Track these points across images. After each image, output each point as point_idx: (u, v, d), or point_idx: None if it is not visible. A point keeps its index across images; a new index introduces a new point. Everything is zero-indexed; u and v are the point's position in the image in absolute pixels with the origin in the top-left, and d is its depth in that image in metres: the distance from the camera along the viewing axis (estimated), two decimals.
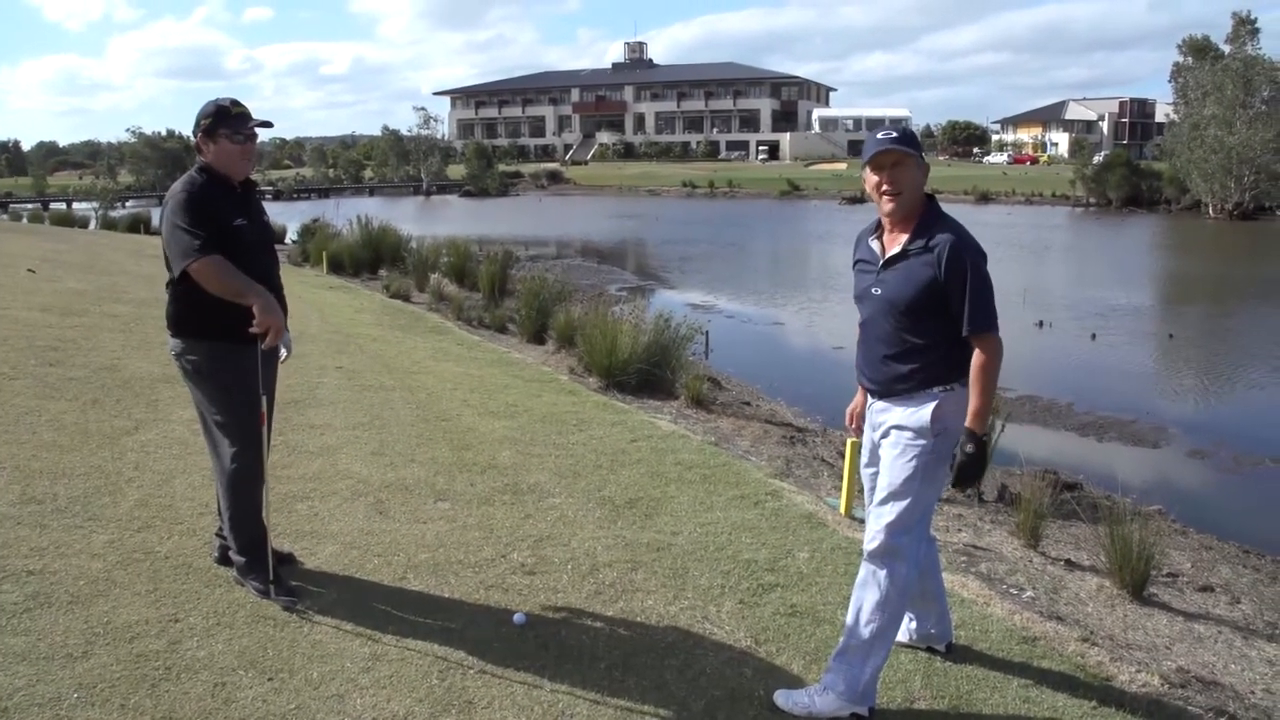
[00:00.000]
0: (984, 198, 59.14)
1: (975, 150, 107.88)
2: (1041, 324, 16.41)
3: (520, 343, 12.60)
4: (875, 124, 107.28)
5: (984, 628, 4.10)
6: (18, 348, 7.68)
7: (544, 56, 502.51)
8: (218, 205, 3.69)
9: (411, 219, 43.86)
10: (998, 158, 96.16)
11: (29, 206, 53.63)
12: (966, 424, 3.21)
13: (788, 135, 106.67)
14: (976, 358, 3.23)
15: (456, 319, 14.17)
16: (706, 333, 14.56)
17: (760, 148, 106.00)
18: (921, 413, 3.28)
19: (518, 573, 4.34)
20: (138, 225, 31.31)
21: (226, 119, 3.76)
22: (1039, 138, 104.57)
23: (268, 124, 3.94)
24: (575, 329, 11.11)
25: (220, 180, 3.77)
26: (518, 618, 3.84)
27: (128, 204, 49.53)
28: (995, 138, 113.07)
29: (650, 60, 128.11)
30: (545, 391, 8.70)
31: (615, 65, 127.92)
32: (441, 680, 3.36)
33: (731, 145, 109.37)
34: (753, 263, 30.11)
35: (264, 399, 3.81)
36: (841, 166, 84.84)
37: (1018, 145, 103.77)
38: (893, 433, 3.36)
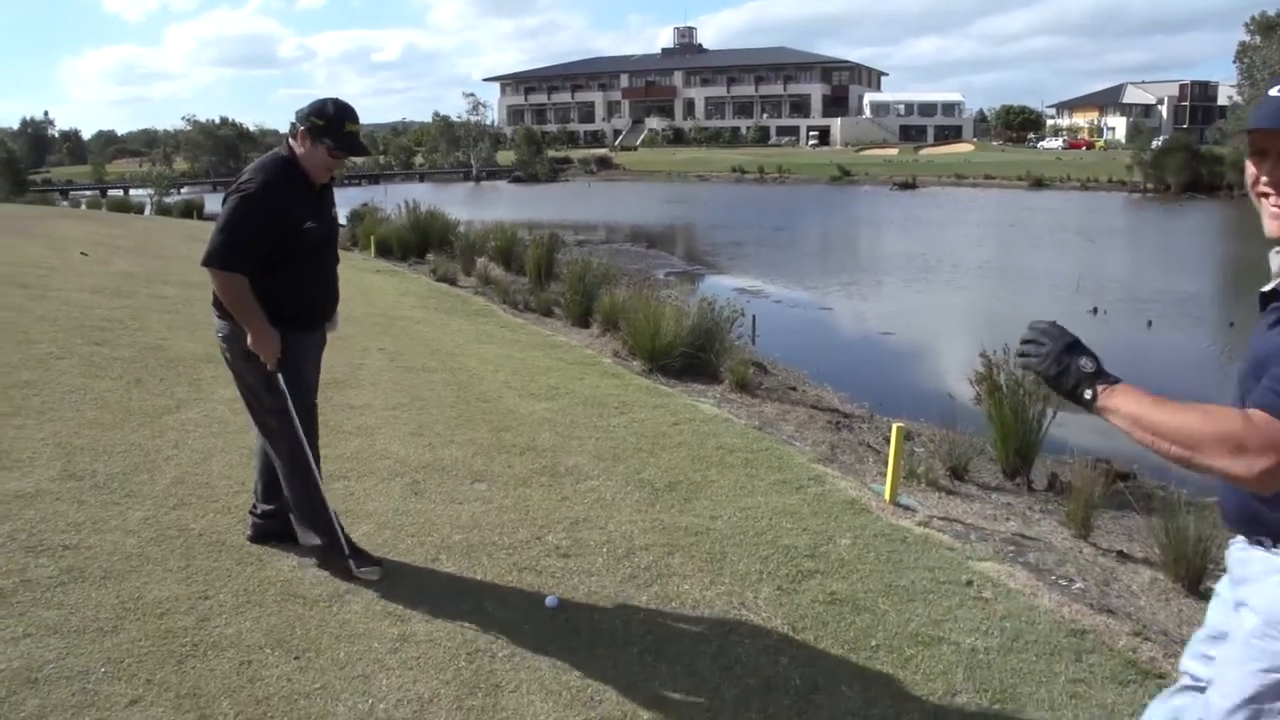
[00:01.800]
0: (1038, 183, 58.04)
1: (1029, 135, 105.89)
2: (1095, 310, 16.01)
3: (565, 326, 12.55)
4: (927, 109, 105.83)
5: (1031, 619, 3.95)
6: (67, 328, 7.77)
7: (594, 42, 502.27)
8: (290, 206, 3.62)
9: (461, 204, 44.10)
10: (1052, 143, 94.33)
11: (88, 193, 54.84)
12: None
13: (838, 120, 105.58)
14: None
15: (502, 302, 14.16)
16: (754, 317, 14.42)
17: (811, 133, 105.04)
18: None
19: (552, 555, 4.27)
20: (191, 211, 31.84)
21: (338, 135, 3.67)
22: (1095, 122, 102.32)
23: (366, 153, 3.98)
24: (620, 312, 11.02)
25: (301, 177, 3.70)
26: (550, 600, 3.76)
27: (182, 190, 50.27)
28: (1050, 122, 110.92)
29: (700, 45, 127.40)
30: (588, 374, 8.63)
31: (665, 50, 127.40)
32: (469, 663, 3.29)
33: (782, 131, 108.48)
34: (802, 248, 29.81)
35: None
36: (893, 152, 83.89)
37: (1073, 130, 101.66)
38: (1243, 613, 1.99)
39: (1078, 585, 4.76)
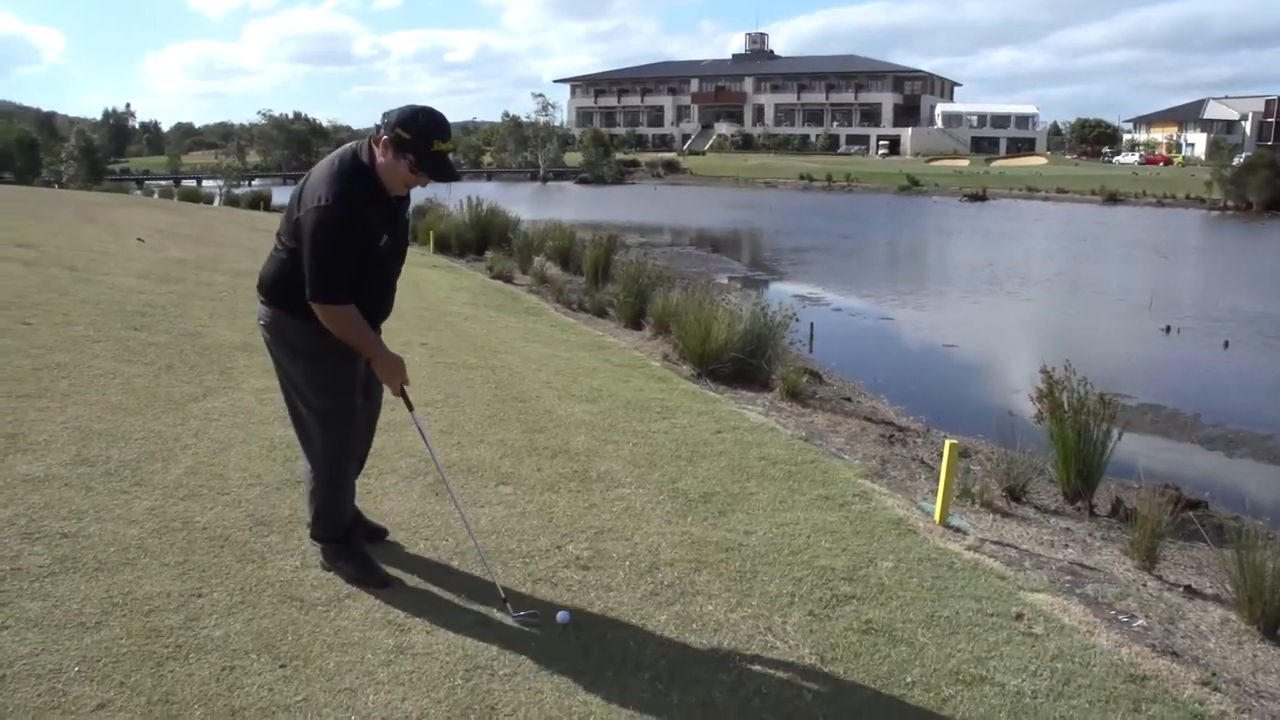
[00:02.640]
0: (1112, 198, 56.47)
1: (1104, 150, 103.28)
2: (1169, 329, 15.34)
3: (617, 327, 12.33)
4: (1000, 120, 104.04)
5: (1085, 660, 3.60)
6: (108, 312, 7.72)
7: (665, 47, 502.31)
8: (367, 219, 3.33)
9: (525, 203, 44.26)
10: (1129, 158, 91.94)
11: (162, 183, 56.12)
12: None
13: (909, 130, 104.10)
14: None
15: (556, 301, 13.99)
16: (811, 325, 14.09)
17: (881, 142, 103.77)
18: None
19: (571, 566, 4.02)
20: (258, 202, 32.27)
21: (423, 154, 3.29)
22: (1174, 138, 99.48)
23: (454, 178, 3.52)
24: (672, 315, 10.76)
25: (378, 188, 3.37)
26: (561, 616, 3.51)
27: (253, 182, 51.16)
28: (1127, 137, 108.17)
29: (771, 51, 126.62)
30: (634, 377, 8.38)
31: (735, 56, 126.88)
32: (466, 680, 3.05)
33: (851, 139, 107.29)
34: (866, 256, 29.23)
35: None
36: (964, 163, 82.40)
37: (1150, 145, 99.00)
38: None
39: (1139, 623, 4.38)
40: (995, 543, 5.19)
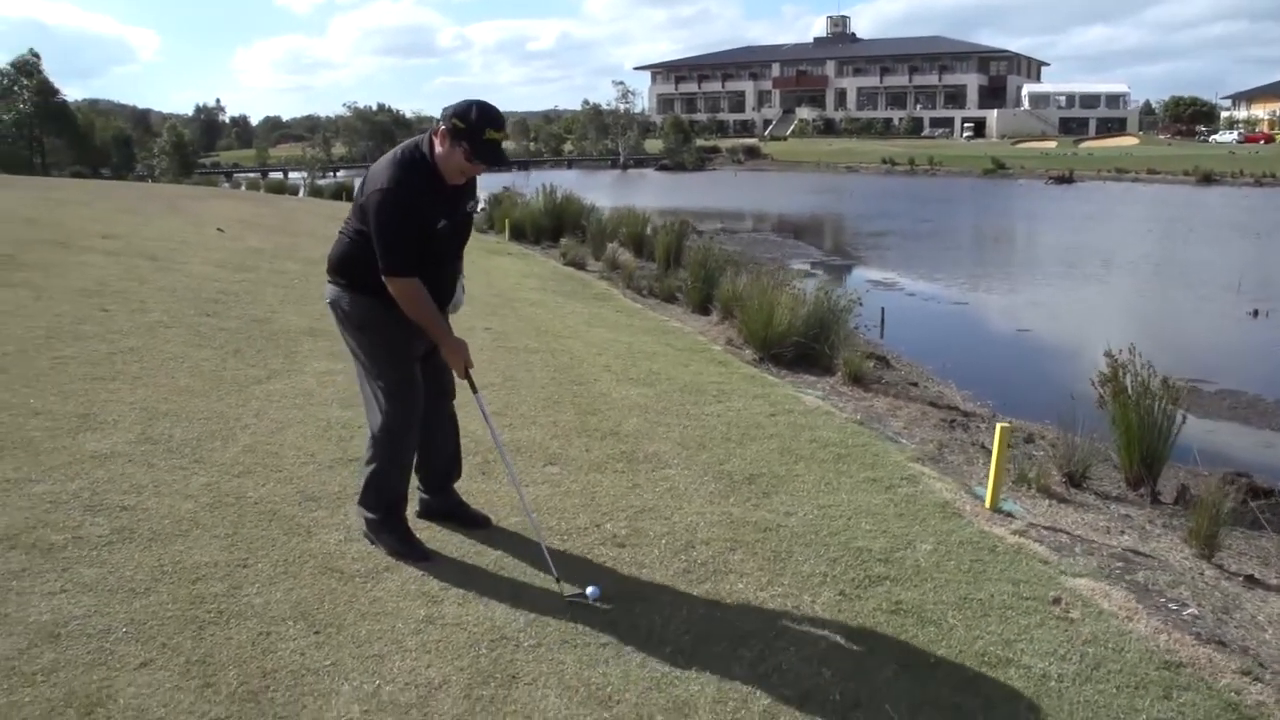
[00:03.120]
0: (1206, 178, 54.38)
1: (1200, 129, 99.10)
2: (1256, 313, 14.77)
3: (685, 313, 12.37)
4: (1090, 100, 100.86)
5: (1118, 646, 3.54)
6: (183, 299, 8.04)
7: (747, 32, 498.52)
8: (425, 204, 3.52)
9: (604, 190, 44.50)
10: (1226, 136, 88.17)
11: (250, 175, 57.87)
12: None
13: (995, 112, 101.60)
14: None
15: (626, 287, 14.07)
16: (883, 309, 13.94)
17: (966, 125, 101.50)
18: None
19: (608, 544, 4.09)
20: (340, 193, 32.98)
21: (476, 142, 3.49)
22: (1277, 114, 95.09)
23: (505, 165, 3.84)
24: (738, 300, 10.76)
25: (436, 176, 3.57)
26: (590, 591, 3.57)
27: (338, 173, 52.32)
28: (1225, 114, 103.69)
29: (853, 34, 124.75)
30: (694, 361, 8.42)
31: (817, 40, 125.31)
32: (490, 650, 3.14)
33: (935, 122, 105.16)
34: (944, 240, 28.68)
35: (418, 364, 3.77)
36: (1051, 144, 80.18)
37: (1250, 122, 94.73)
38: None
39: (1189, 611, 4.28)
40: (1046, 528, 5.11)
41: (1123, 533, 5.46)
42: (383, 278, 3.51)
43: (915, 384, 9.83)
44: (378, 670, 2.98)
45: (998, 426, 5.47)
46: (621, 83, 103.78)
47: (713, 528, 4.33)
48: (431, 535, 4.02)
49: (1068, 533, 5.12)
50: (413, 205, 3.48)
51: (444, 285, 3.83)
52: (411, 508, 4.17)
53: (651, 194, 45.91)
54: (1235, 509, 5.57)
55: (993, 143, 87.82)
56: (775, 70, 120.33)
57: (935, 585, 3.92)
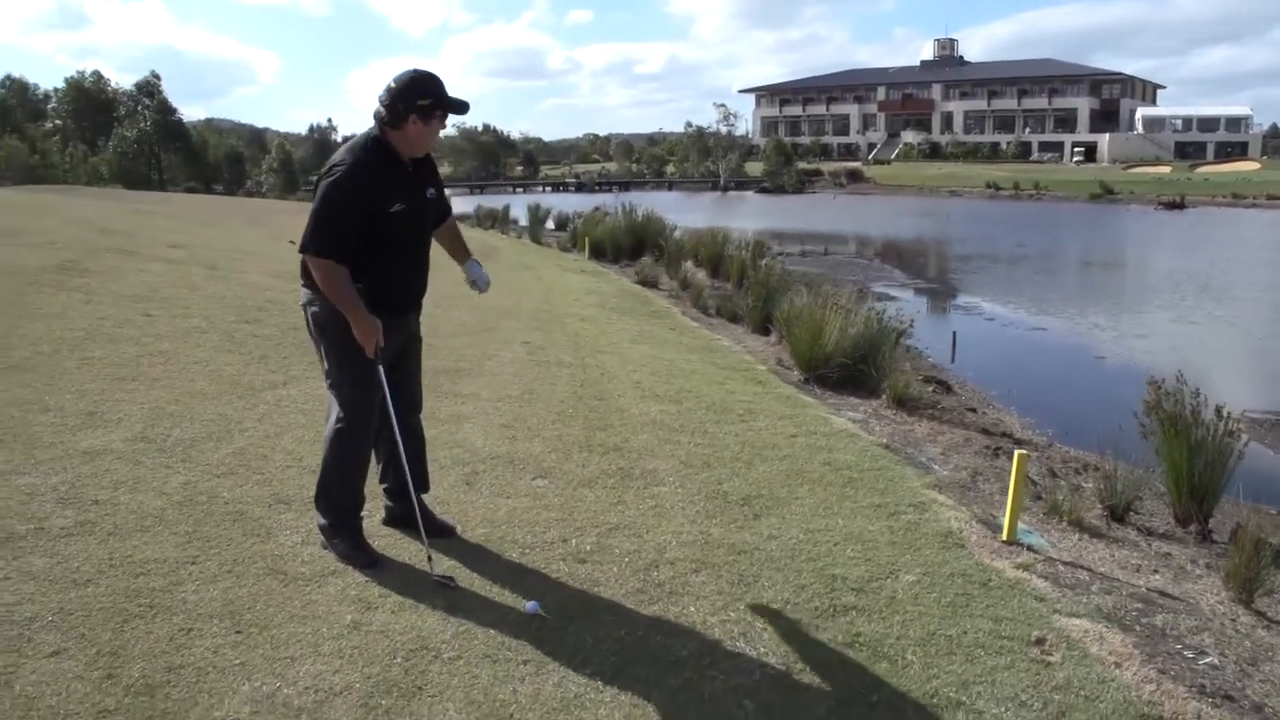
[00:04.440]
0: None
1: None
2: None
3: (746, 332, 12.24)
4: (1208, 124, 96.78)
5: (1093, 694, 3.28)
6: (228, 306, 8.26)
7: (856, 55, 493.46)
8: (378, 189, 3.56)
9: (702, 211, 44.54)
10: None
11: None
12: None
13: (1106, 136, 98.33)
14: None
15: (692, 306, 14.00)
16: (954, 334, 13.56)
17: (1076, 149, 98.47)
18: None
19: (569, 560, 3.99)
20: None
21: (446, 102, 3.62)
22: None
23: (463, 109, 3.76)
24: (794, 319, 10.58)
25: (392, 159, 3.63)
26: (530, 606, 3.49)
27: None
28: None
29: (961, 57, 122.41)
30: (731, 380, 8.28)
31: (924, 63, 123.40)
32: (406, 660, 3.08)
33: (1044, 146, 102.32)
34: (1037, 266, 27.74)
35: (382, 369, 3.73)
36: (1165, 170, 77.11)
37: None
38: None
39: (1207, 660, 3.96)
40: (1066, 563, 4.83)
41: (1155, 572, 5.12)
42: (300, 254, 3.55)
43: (974, 410, 9.50)
44: (283, 673, 2.94)
45: (1016, 454, 5.20)
46: (723, 105, 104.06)
47: (684, 548, 4.19)
48: (391, 543, 4.00)
49: (1089, 569, 4.82)
50: (361, 189, 3.51)
51: (411, 273, 3.83)
52: (378, 515, 4.17)
53: (748, 216, 45.79)
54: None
55: (1103, 168, 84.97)
56: (881, 93, 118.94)
57: (905, 619, 3.71)
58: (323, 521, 3.86)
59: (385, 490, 4.15)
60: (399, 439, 3.90)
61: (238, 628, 3.18)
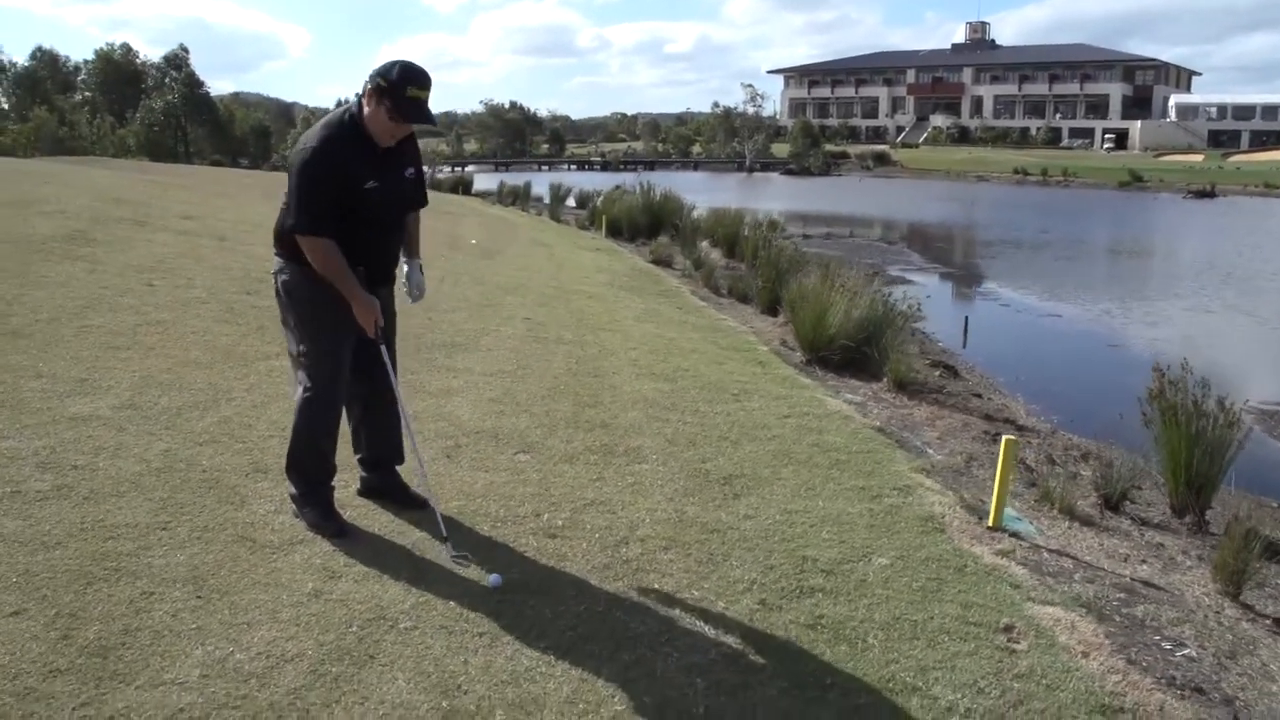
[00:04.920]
0: None
1: None
2: None
3: (755, 313, 12.19)
4: (1243, 112, 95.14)
5: (1054, 683, 3.25)
6: (232, 277, 8.30)
7: (887, 38, 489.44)
8: (349, 166, 3.54)
9: (726, 192, 44.34)
10: None
11: None
12: None
13: (1138, 123, 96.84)
14: None
15: (703, 285, 13.95)
16: (966, 319, 13.47)
17: (1106, 136, 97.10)
18: None
19: (539, 534, 4.00)
20: (458, 186, 33.71)
21: (399, 99, 3.49)
22: None
23: (428, 122, 3.67)
24: (800, 300, 10.54)
25: (364, 136, 3.59)
26: (492, 579, 3.49)
27: (465, 168, 53.56)
28: None
29: (992, 41, 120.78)
30: (730, 359, 8.25)
31: (955, 46, 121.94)
32: (362, 629, 3.10)
33: (1075, 132, 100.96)
34: (1058, 252, 27.40)
35: (352, 339, 3.75)
36: (1198, 158, 75.91)
37: None
38: None
39: (1184, 652, 3.93)
40: (1051, 550, 4.81)
41: (1143, 562, 5.08)
42: (292, 234, 3.55)
43: (979, 395, 9.44)
44: (238, 639, 2.97)
45: (1003, 440, 5.18)
46: (750, 85, 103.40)
47: (656, 525, 4.19)
48: (363, 513, 4.02)
49: (1074, 557, 4.80)
50: (334, 165, 3.50)
51: (385, 251, 3.84)
52: (354, 485, 4.20)
53: (772, 197, 45.54)
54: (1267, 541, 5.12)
55: (1134, 155, 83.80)
56: (910, 76, 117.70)
57: (871, 602, 3.69)
58: (293, 491, 3.89)
59: (359, 461, 4.18)
60: (376, 414, 3.93)
61: (199, 593, 3.21)
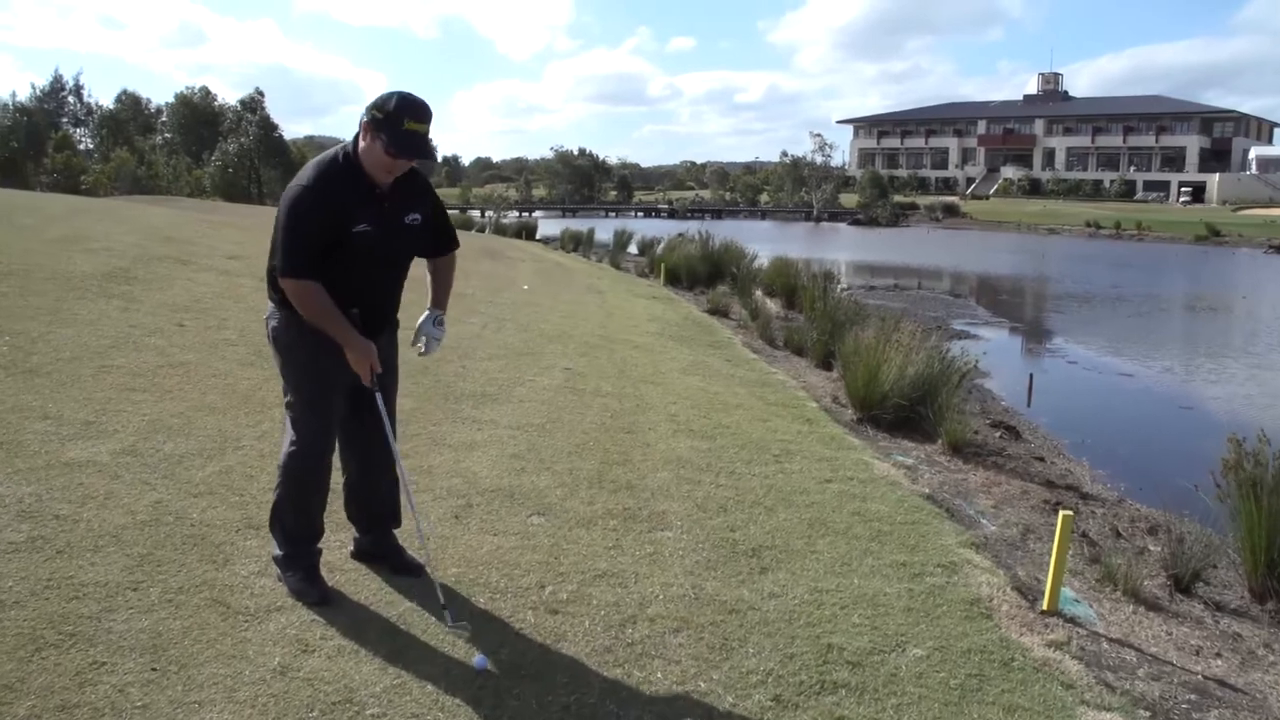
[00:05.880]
0: None
1: None
2: None
3: (809, 366, 11.79)
4: None
5: None
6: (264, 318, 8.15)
7: (960, 88, 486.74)
8: (341, 206, 3.32)
9: (794, 242, 44.11)
10: None
11: (451, 212, 60.85)
12: None
13: (1216, 176, 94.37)
14: None
15: (759, 337, 13.61)
16: (1030, 376, 12.92)
17: (1183, 189, 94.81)
18: None
19: (540, 609, 3.68)
20: (521, 231, 33.89)
21: (394, 133, 3.26)
22: None
23: (428, 157, 3.48)
24: (856, 356, 10.15)
25: (360, 174, 3.37)
26: (478, 661, 3.18)
27: (532, 213, 54.03)
28: None
29: (1065, 92, 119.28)
30: (776, 417, 7.88)
31: (1027, 97, 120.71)
32: (324, 714, 2.80)
33: (1149, 185, 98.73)
34: (1130, 308, 26.49)
35: (344, 389, 3.54)
36: (1279, 212, 73.63)
37: None
38: None
39: None
40: (1113, 640, 4.36)
41: (1218, 655, 4.59)
42: (279, 278, 3.35)
43: (1041, 459, 8.93)
44: None
45: (1060, 515, 4.76)
46: (819, 135, 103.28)
47: (670, 603, 3.85)
48: (352, 578, 3.75)
49: (1138, 649, 4.34)
50: (324, 205, 3.28)
51: (380, 294, 3.59)
52: (347, 547, 3.94)
53: (839, 248, 45.22)
54: None
55: (1211, 209, 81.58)
56: (981, 127, 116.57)
57: (901, 703, 3.30)
58: (277, 552, 3.63)
59: (353, 522, 3.91)
60: (375, 474, 3.69)
61: (155, 664, 2.95)
